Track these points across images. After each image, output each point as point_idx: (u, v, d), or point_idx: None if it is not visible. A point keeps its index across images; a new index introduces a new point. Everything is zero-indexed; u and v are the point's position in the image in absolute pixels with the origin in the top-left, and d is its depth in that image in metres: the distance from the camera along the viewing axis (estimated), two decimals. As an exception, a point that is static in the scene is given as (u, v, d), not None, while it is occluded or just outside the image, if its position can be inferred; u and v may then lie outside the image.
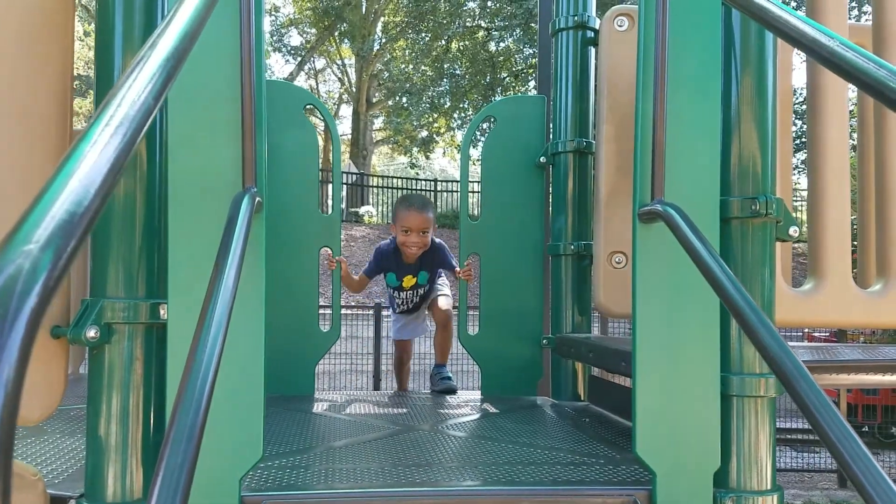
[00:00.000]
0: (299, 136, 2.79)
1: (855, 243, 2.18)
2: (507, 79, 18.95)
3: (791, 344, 2.97)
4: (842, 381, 2.20)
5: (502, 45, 18.61)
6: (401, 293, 3.48)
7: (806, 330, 10.09)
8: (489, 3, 18.21)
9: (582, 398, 2.90)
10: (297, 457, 1.82)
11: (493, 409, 2.65)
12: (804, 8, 1.94)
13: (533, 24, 16.15)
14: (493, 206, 2.96)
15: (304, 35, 23.43)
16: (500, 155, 2.93)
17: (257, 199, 1.34)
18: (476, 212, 3.11)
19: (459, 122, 20.40)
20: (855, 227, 2.64)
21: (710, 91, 1.53)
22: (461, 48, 19.21)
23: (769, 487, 1.60)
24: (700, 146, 1.54)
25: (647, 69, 1.50)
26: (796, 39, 0.99)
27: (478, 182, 3.09)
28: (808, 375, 1.00)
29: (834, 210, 1.77)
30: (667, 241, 1.47)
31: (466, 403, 2.79)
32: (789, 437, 9.76)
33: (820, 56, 0.96)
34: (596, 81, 2.59)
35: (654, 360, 1.54)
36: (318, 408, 2.60)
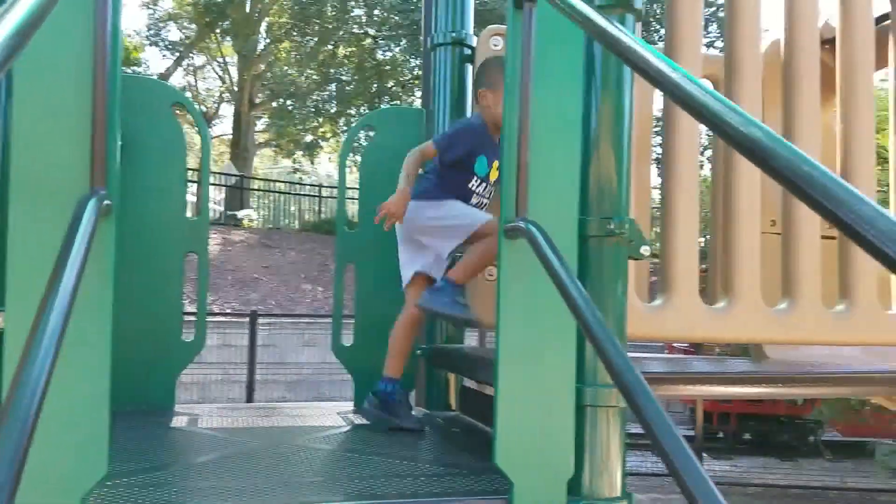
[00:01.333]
0: (165, 136, 2.66)
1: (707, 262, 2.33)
2: (395, 88, 19.02)
3: (650, 356, 3.13)
4: (690, 391, 2.35)
5: (389, 54, 18.67)
6: (483, 186, 2.53)
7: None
8: (376, 12, 18.24)
9: (453, 409, 2.93)
10: (149, 474, 1.73)
11: (362, 421, 2.63)
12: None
13: (420, 36, 16.31)
14: (371, 216, 2.94)
15: (184, 31, 22.51)
16: (379, 165, 2.92)
17: (106, 201, 1.26)
18: (354, 221, 3.07)
19: (346, 127, 20.27)
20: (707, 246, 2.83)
21: (572, 115, 1.60)
22: (348, 54, 19.10)
23: (619, 494, 1.68)
24: (561, 167, 1.60)
25: (512, 91, 1.55)
26: (644, 70, 1.05)
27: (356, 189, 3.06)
28: (645, 387, 1.06)
29: (683, 229, 1.89)
30: (530, 257, 1.51)
31: (336, 415, 2.75)
32: (646, 443, 10.30)
33: (665, 88, 1.02)
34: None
35: (515, 371, 1.58)
36: (178, 422, 2.48)
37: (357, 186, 3.00)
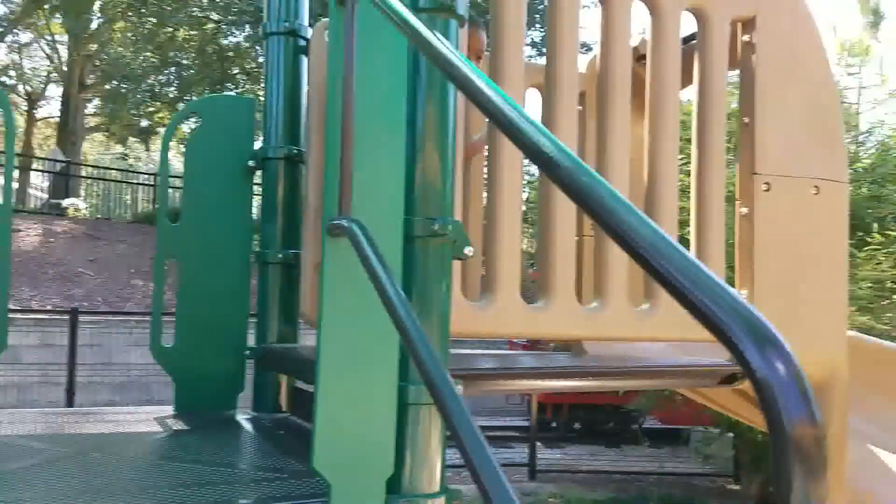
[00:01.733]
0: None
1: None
2: (240, 76, 18.32)
3: (482, 352, 3.22)
4: (516, 386, 2.45)
5: (234, 40, 17.94)
6: None
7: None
8: (218, -4, 17.45)
9: (285, 411, 2.86)
10: (-80, 494, 1.53)
11: (182, 426, 2.50)
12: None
13: (267, 24, 15.78)
14: (195, 209, 2.80)
15: (9, 5, 20.39)
16: (206, 155, 2.79)
17: None
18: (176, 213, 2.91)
19: (186, 115, 19.23)
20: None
21: (396, 115, 1.60)
22: (188, 38, 18.14)
23: (438, 489, 1.71)
24: (387, 167, 1.60)
25: (336, 87, 1.53)
26: (448, 72, 1.06)
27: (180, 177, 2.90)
28: (450, 385, 1.08)
29: (507, 230, 1.95)
30: (352, 255, 1.50)
31: (155, 421, 2.60)
32: (489, 434, 10.68)
33: (467, 92, 1.04)
34: (308, 91, 2.59)
35: (336, 371, 1.56)
36: (-30, 431, 2.23)
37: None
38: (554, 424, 11.25)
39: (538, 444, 10.04)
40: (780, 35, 2.32)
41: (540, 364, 2.45)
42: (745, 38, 2.31)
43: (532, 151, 0.90)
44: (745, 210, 2.34)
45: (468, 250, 1.74)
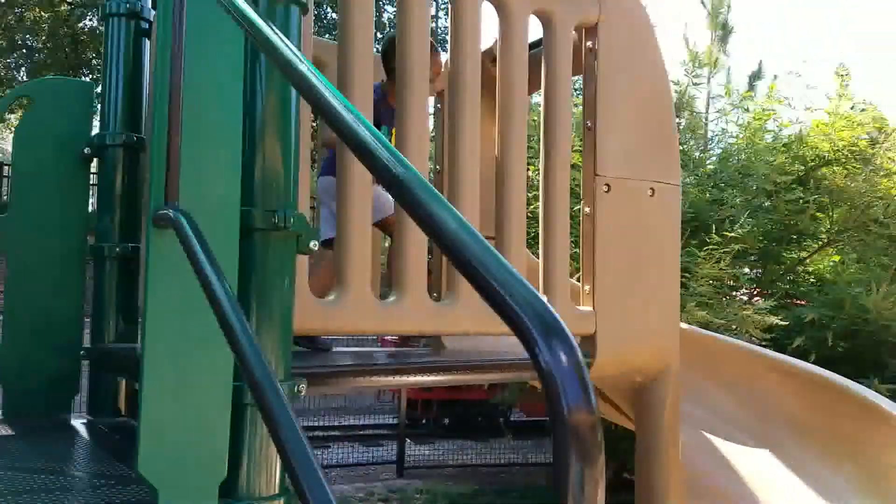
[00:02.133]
0: None
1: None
2: (96, 61, 17.15)
3: (343, 349, 3.17)
4: (375, 382, 2.43)
5: (89, 24, 16.78)
6: None
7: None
8: (72, -22, 16.28)
9: (123, 414, 2.69)
10: None
11: (8, 432, 2.30)
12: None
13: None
14: (25, 199, 2.58)
15: None
16: (37, 142, 2.58)
17: None
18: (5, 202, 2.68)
19: (34, 100, 17.78)
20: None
21: (232, 102, 1.54)
22: (39, 20, 16.79)
23: (277, 492, 1.66)
24: (221, 155, 1.53)
25: (163, 72, 1.45)
26: (273, 58, 1.03)
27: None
28: (275, 385, 1.05)
29: (355, 227, 1.93)
30: (179, 248, 1.43)
31: (-27, 428, 2.37)
32: (360, 433, 10.61)
33: (293, 80, 1.01)
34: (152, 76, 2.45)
35: (162, 371, 1.48)
36: None
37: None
38: (424, 421, 11.33)
39: (408, 440, 10.10)
40: (620, 42, 2.44)
41: (380, 361, 2.45)
42: (589, 44, 2.41)
43: (348, 138, 0.89)
44: (587, 210, 2.44)
45: (314, 244, 1.70)
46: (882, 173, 8.05)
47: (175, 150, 1.44)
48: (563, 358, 0.62)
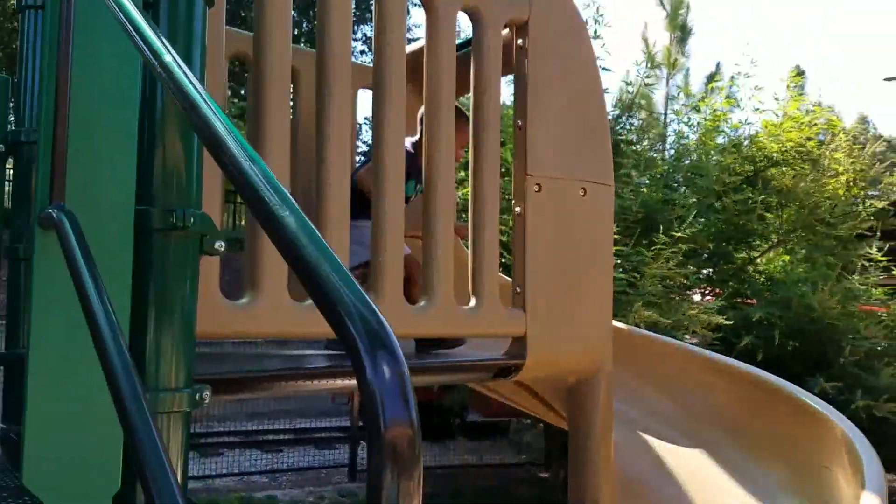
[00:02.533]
0: None
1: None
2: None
3: (273, 351, 3.08)
4: (297, 388, 2.37)
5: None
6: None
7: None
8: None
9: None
10: None
11: None
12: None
13: None
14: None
15: None
16: (-55, 138, 2.46)
17: None
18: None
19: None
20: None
21: (128, 97, 1.47)
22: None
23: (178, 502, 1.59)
24: (114, 152, 1.46)
25: (50, 64, 1.37)
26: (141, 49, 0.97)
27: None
28: (137, 394, 0.99)
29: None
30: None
31: None
32: (315, 435, 10.48)
33: (159, 74, 0.96)
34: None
35: (48, 378, 1.40)
36: None
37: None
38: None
39: (363, 443, 10.01)
40: (551, 40, 2.41)
41: (302, 365, 2.39)
42: (519, 41, 2.38)
43: (202, 130, 0.84)
44: (518, 209, 2.41)
45: (219, 244, 1.64)
46: (830, 174, 8.23)
47: (61, 146, 1.37)
48: (386, 370, 0.58)
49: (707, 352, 3.31)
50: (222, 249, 1.67)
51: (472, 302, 2.31)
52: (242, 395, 2.09)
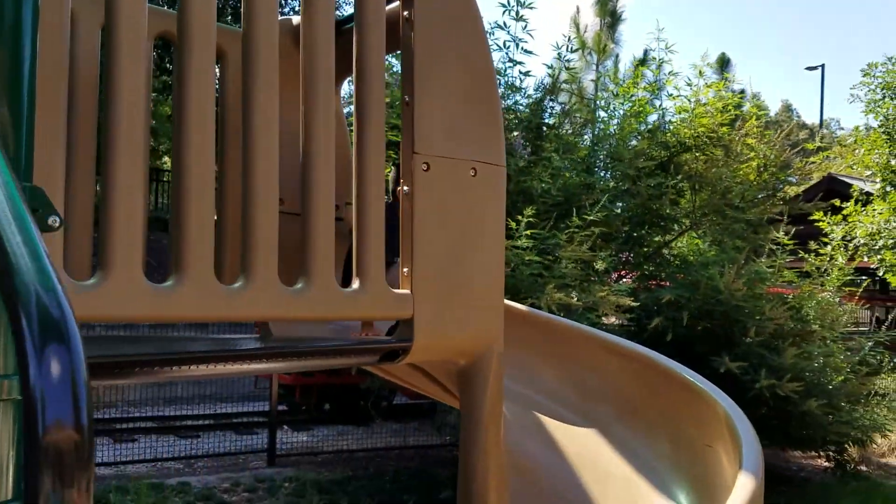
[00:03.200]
0: None
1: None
2: None
3: (191, 336, 2.94)
4: (175, 374, 2.25)
5: None
6: None
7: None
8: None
9: None
10: None
11: None
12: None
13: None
14: None
15: None
16: None
17: None
18: None
19: None
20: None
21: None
22: None
23: (11, 496, 1.48)
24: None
25: None
26: None
27: None
28: None
29: (121, 198, 1.75)
30: None
31: None
32: (235, 420, 10.27)
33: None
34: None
35: None
36: None
37: None
38: (304, 407, 11.09)
39: (286, 428, 9.86)
40: (439, 13, 2.34)
41: (188, 348, 2.27)
42: (405, 13, 2.30)
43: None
44: (406, 189, 2.35)
45: (53, 220, 1.51)
46: (742, 159, 8.48)
47: None
48: (55, 364, 0.50)
49: (603, 333, 3.33)
50: (56, 225, 1.54)
51: (356, 284, 2.24)
52: (120, 381, 1.98)
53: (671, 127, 8.06)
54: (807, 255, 9.39)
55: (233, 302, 1.98)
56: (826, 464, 8.47)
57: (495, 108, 2.55)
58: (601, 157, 8.43)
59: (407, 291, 2.33)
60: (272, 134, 2.06)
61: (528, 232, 6.14)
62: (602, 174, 8.31)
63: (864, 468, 8.73)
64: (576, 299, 5.53)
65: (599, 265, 6.69)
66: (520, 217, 6.19)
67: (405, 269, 2.37)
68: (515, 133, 8.39)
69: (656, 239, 8.20)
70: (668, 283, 7.75)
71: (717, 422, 2.61)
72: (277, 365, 2.35)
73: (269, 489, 7.10)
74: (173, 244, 1.90)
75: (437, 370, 2.69)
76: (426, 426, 10.56)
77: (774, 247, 7.90)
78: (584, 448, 2.90)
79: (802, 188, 9.11)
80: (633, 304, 5.89)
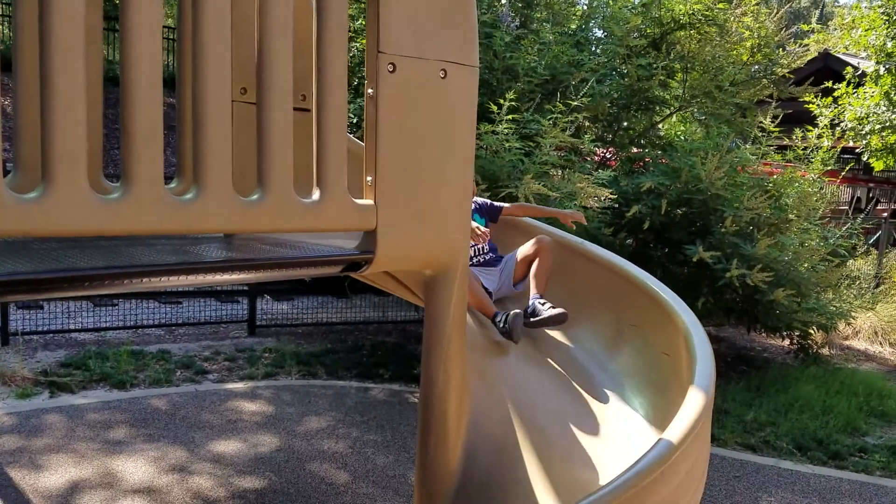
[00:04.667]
0: None
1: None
2: None
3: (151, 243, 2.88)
4: (147, 285, 2.21)
5: None
6: None
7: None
8: None
9: None
10: None
11: None
12: None
13: None
14: None
15: None
16: None
17: None
18: None
19: None
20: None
21: None
22: None
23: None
24: None
25: None
26: None
27: None
28: None
29: (59, 98, 1.63)
30: None
31: None
32: (217, 288, 10.38)
33: None
34: None
35: None
36: None
37: None
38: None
39: (267, 297, 10.02)
40: None
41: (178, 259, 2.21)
42: None
43: None
44: (371, 91, 2.21)
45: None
46: (735, 38, 8.16)
47: None
48: None
49: (578, 239, 3.31)
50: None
51: (316, 194, 2.16)
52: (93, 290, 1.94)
53: (665, 2, 7.66)
54: (791, 141, 9.28)
55: (184, 214, 1.90)
56: (790, 345, 8.79)
57: (468, 2, 2.37)
58: (592, 31, 8.07)
59: (370, 202, 2.26)
60: (223, 17, 1.89)
61: (509, 117, 5.96)
62: (592, 50, 7.98)
63: (826, 351, 9.08)
64: (553, 193, 5.46)
65: (583, 145, 6.56)
66: (501, 101, 5.98)
67: (368, 178, 2.29)
68: (503, 1, 7.97)
69: (643, 122, 8.03)
70: (651, 169, 7.67)
71: (676, 333, 2.64)
72: (238, 276, 2.30)
73: (248, 359, 7.29)
74: (122, 151, 1.80)
75: (406, 277, 2.68)
76: (405, 301, 10.77)
77: (760, 134, 7.77)
78: (550, 358, 2.95)
79: (797, 63, 8.79)
80: (611, 196, 5.83)
